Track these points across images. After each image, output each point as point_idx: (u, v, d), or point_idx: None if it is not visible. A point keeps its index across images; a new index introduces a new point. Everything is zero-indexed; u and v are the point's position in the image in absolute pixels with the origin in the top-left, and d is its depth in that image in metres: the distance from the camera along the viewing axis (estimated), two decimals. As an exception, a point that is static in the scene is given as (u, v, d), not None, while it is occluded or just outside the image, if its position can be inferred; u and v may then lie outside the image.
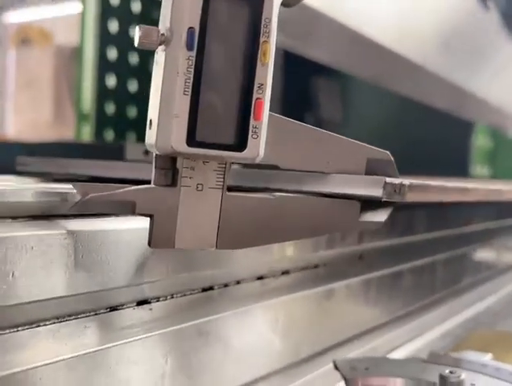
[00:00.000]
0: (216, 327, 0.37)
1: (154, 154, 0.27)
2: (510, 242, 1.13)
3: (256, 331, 0.41)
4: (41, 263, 0.25)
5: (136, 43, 0.26)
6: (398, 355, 0.60)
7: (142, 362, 0.31)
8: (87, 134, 1.61)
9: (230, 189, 0.29)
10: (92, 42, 1.23)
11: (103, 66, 1.21)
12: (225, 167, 0.28)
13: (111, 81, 1.26)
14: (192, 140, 0.25)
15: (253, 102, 0.26)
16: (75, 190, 0.26)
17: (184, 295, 0.36)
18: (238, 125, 0.26)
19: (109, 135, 1.48)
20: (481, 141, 2.45)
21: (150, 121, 0.26)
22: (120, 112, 1.43)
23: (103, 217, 0.30)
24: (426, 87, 0.99)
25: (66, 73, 3.02)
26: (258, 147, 0.27)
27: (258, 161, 0.27)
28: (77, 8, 1.34)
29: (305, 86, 1.22)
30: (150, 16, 1.16)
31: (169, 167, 0.27)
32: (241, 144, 0.26)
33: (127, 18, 1.19)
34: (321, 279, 0.49)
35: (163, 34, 0.25)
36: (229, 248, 0.29)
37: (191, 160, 0.27)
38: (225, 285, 0.39)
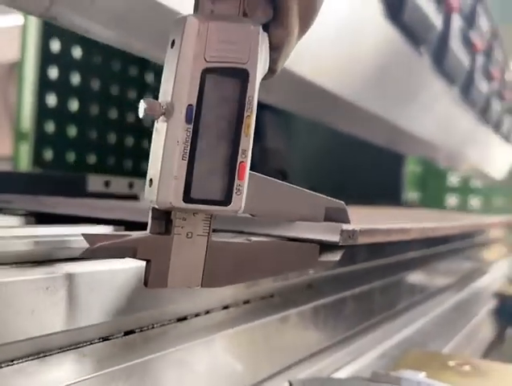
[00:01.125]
0: (188, 351, 0.41)
1: (150, 207, 0.32)
2: (441, 267, 1.22)
3: (221, 355, 0.45)
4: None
5: (140, 114, 0.30)
6: (341, 374, 0.66)
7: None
8: (25, 153, 1.60)
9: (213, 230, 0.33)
10: (33, 59, 1.23)
11: (44, 84, 1.21)
12: (210, 218, 0.33)
13: (51, 100, 1.26)
14: (187, 197, 0.30)
15: (237, 165, 0.31)
16: (84, 239, 0.30)
17: (163, 325, 0.40)
18: (225, 185, 0.31)
19: (48, 155, 1.48)
20: (412, 170, 2.65)
21: (151, 180, 0.31)
22: (60, 132, 1.43)
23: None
24: (363, 124, 1.07)
25: (3, 89, 2.97)
26: (241, 202, 0.32)
27: (239, 213, 0.32)
28: (18, 21, 1.32)
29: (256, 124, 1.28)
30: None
31: (164, 218, 0.32)
32: (227, 200, 0.31)
33: (69, 37, 1.19)
34: (276, 307, 0.54)
35: (164, 108, 0.30)
36: (211, 286, 0.34)
37: (183, 212, 0.32)
38: (196, 315, 0.44)
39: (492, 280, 1.57)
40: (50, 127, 1.31)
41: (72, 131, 1.31)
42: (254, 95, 0.31)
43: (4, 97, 2.74)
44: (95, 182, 0.73)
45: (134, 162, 1.42)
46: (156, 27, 0.46)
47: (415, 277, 1.04)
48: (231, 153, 0.31)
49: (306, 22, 0.34)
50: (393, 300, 0.88)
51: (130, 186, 0.78)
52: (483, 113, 1.72)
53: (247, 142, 0.31)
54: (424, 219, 0.93)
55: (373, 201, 1.70)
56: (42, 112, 1.30)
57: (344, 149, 1.82)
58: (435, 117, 1.31)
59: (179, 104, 0.30)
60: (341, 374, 0.65)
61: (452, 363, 0.64)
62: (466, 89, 1.46)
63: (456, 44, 1.25)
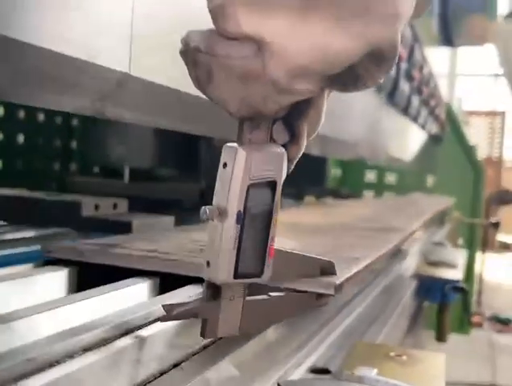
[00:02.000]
0: None
1: (205, 281, 0.44)
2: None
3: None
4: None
5: (202, 218, 0.42)
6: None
7: None
8: None
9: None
10: None
11: None
12: (245, 285, 0.45)
13: None
14: (236, 275, 0.42)
15: (268, 248, 0.44)
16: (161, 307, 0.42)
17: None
18: (261, 263, 0.43)
19: None
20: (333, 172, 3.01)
21: (208, 262, 0.43)
22: None
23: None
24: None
25: None
26: (269, 272, 0.44)
27: (266, 281, 0.45)
28: None
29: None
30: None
31: (215, 288, 0.44)
32: (261, 273, 0.44)
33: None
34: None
35: (219, 212, 0.42)
36: (245, 333, 0.46)
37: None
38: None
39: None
40: None
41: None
42: (279, 198, 0.44)
43: None
44: (88, 207, 0.82)
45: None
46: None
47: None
48: (264, 241, 0.43)
49: (312, 132, 0.46)
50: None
51: (115, 206, 0.87)
52: (405, 110, 1.91)
53: (274, 232, 0.44)
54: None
55: (306, 193, 1.87)
56: None
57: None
58: (362, 122, 1.47)
59: (232, 210, 0.42)
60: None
61: (392, 354, 0.80)
62: (392, 94, 1.63)
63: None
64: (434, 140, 3.30)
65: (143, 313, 0.43)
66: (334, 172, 3.21)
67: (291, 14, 0.37)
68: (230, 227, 0.42)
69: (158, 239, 0.67)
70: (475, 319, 4.63)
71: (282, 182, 0.44)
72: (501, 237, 8.67)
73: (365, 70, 0.41)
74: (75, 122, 1.75)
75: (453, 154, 4.01)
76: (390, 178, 3.64)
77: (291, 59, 0.37)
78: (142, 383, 0.40)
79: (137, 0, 0.48)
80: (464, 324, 4.14)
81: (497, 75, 8.56)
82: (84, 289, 0.52)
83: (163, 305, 0.42)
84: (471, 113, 8.79)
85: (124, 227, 0.78)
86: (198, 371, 0.48)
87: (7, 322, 0.40)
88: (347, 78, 0.41)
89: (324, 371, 0.78)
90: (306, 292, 0.49)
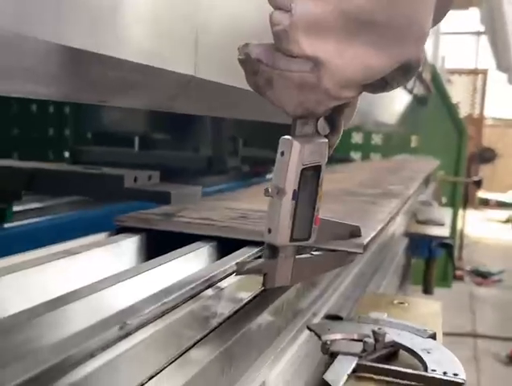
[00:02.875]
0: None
1: (266, 243, 0.56)
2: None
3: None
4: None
5: (266, 194, 0.54)
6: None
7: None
8: None
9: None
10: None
11: None
12: (296, 246, 0.57)
13: None
14: (291, 239, 0.55)
15: (314, 216, 0.56)
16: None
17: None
18: (309, 229, 0.56)
19: None
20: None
21: (270, 229, 0.55)
22: None
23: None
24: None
25: None
26: (315, 237, 0.56)
27: (312, 243, 0.57)
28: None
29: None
30: None
31: (273, 249, 0.56)
32: (309, 237, 0.56)
33: None
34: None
35: (278, 191, 0.54)
36: (295, 283, 0.59)
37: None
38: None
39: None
40: None
41: None
42: (323, 177, 0.56)
43: None
44: (129, 179, 0.93)
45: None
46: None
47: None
48: (312, 212, 0.55)
49: (347, 123, 0.58)
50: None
51: (149, 178, 0.98)
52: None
53: (319, 204, 0.56)
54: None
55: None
56: None
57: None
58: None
59: (289, 189, 0.53)
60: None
61: (395, 302, 0.94)
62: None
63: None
64: (420, 102, 3.42)
65: (220, 270, 0.55)
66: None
67: (340, 39, 0.48)
68: (287, 202, 0.54)
69: (202, 209, 0.79)
70: (457, 273, 4.85)
71: (325, 164, 0.56)
72: (482, 194, 8.92)
73: (392, 78, 0.52)
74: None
75: (437, 115, 4.15)
76: (377, 139, 3.76)
77: (339, 75, 0.49)
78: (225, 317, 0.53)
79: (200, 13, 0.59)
80: (448, 278, 4.35)
81: (479, 33, 8.66)
82: (153, 253, 0.65)
83: (236, 263, 0.54)
84: (453, 72, 8.90)
85: (164, 198, 0.90)
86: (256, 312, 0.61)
87: (107, 287, 0.50)
88: (378, 84, 0.52)
89: (336, 317, 0.92)
90: (340, 251, 0.62)
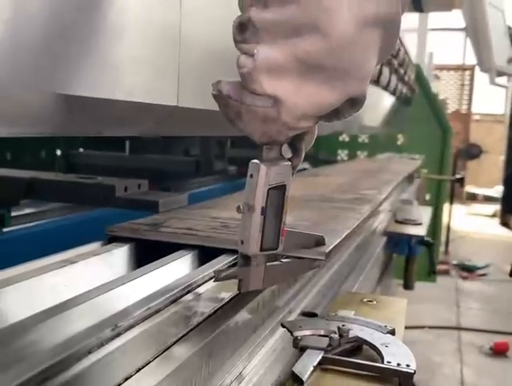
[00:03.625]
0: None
1: (239, 253, 0.64)
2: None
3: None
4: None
5: (237, 211, 0.62)
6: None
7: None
8: None
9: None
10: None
11: None
12: (266, 255, 0.66)
13: None
14: (261, 249, 0.63)
15: (281, 229, 0.64)
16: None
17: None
18: (277, 240, 0.64)
19: None
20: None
21: (242, 241, 0.63)
22: None
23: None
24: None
25: None
26: (281, 246, 0.65)
27: (280, 252, 0.65)
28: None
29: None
30: None
31: (247, 258, 0.64)
32: (277, 247, 0.65)
33: None
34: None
35: (249, 208, 0.62)
36: (266, 287, 0.67)
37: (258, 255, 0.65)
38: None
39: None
40: None
41: None
42: (288, 196, 0.64)
43: None
44: (119, 188, 1.01)
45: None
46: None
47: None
48: (279, 225, 0.64)
49: (308, 146, 0.66)
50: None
51: (139, 187, 1.06)
52: (376, 81, 2.11)
53: (285, 219, 0.64)
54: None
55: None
56: None
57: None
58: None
59: (258, 206, 0.62)
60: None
61: (365, 300, 1.03)
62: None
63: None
64: (404, 102, 3.51)
65: (199, 277, 0.63)
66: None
67: (295, 80, 0.56)
68: (257, 217, 0.62)
69: (187, 218, 0.87)
70: (442, 267, 4.96)
71: (289, 184, 0.64)
72: (470, 189, 9.05)
73: (342, 109, 0.61)
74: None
75: (422, 113, 4.25)
76: (363, 137, 3.86)
77: (296, 110, 0.57)
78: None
79: (182, 52, 0.67)
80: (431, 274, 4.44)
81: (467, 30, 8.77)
82: (142, 259, 0.73)
83: (214, 271, 0.62)
84: (441, 68, 9.01)
85: (152, 206, 0.98)
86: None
87: (101, 294, 0.59)
88: (331, 115, 0.61)
89: (312, 314, 1.01)
90: (305, 258, 0.70)
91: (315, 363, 0.74)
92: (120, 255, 0.73)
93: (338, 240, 0.78)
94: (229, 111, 0.59)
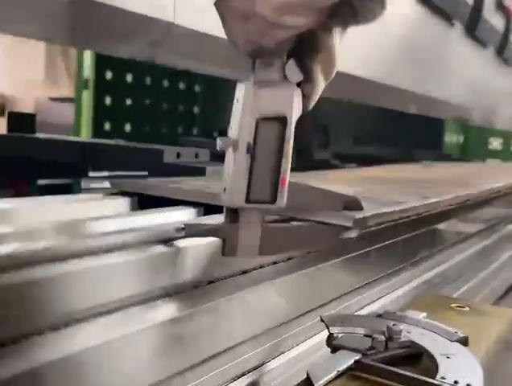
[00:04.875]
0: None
1: (224, 207, 0.49)
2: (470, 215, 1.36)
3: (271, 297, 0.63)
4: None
5: (218, 148, 0.47)
6: (365, 311, 0.83)
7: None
8: (87, 99, 1.81)
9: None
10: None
11: None
12: (261, 211, 0.50)
13: None
14: (247, 199, 0.47)
15: (280, 179, 0.48)
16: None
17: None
18: (272, 191, 0.48)
19: (107, 100, 1.68)
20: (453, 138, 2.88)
21: (224, 189, 0.48)
22: (118, 79, 1.61)
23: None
24: (395, 97, 1.20)
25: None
26: (283, 202, 0.48)
27: (281, 209, 0.49)
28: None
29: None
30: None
31: (234, 212, 0.49)
32: (272, 200, 0.48)
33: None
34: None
35: (232, 144, 0.46)
36: (264, 255, 0.51)
37: (245, 209, 0.49)
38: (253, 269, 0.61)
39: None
40: (108, 74, 1.49)
41: (129, 77, 1.49)
42: (291, 134, 0.47)
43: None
44: (169, 154, 0.90)
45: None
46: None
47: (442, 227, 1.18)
48: (275, 172, 0.48)
49: (328, 74, 0.49)
50: (416, 249, 1.03)
51: (196, 156, 0.95)
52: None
53: (286, 163, 0.48)
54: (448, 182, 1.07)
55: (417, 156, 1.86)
56: (101, 60, 1.46)
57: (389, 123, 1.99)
58: (467, 81, 1.42)
59: (242, 142, 0.46)
60: (364, 311, 0.83)
61: (453, 305, 0.81)
62: (500, 50, 1.55)
63: (489, 13, 1.35)
64: None
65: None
66: (456, 138, 3.08)
67: None
68: (241, 156, 0.46)
69: (211, 179, 0.73)
70: None
71: (294, 118, 0.47)
72: None
73: (359, 2, 0.43)
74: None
75: None
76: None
77: None
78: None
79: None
80: None
81: None
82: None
83: (185, 223, 0.48)
84: None
85: (198, 173, 0.86)
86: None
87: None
88: (344, 12, 0.44)
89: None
90: (324, 223, 0.53)
91: (341, 368, 0.56)
92: (121, 202, 0.63)
93: (383, 210, 0.59)
94: (220, 18, 0.45)
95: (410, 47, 1.09)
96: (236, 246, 0.49)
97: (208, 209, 0.60)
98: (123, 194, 0.66)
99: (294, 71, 0.47)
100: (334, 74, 0.50)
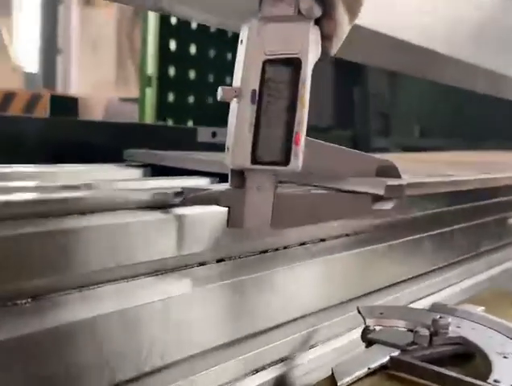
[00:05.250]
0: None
1: (230, 169, 0.41)
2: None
3: (298, 281, 0.55)
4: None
5: (219, 98, 0.40)
6: (418, 305, 0.73)
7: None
8: (150, 96, 1.78)
9: (281, 182, 0.42)
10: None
11: (165, 30, 1.33)
12: (275, 176, 0.42)
13: (173, 45, 1.38)
14: (253, 160, 0.39)
15: (294, 134, 0.40)
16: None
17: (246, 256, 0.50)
18: (284, 149, 0.40)
19: (171, 97, 1.64)
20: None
21: (227, 147, 0.40)
22: (181, 76, 1.57)
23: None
24: (462, 75, 1.09)
25: (128, 34, 3.17)
26: (298, 163, 0.40)
27: (297, 172, 0.41)
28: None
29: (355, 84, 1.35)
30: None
31: (240, 175, 0.41)
32: (286, 161, 0.40)
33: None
34: (350, 245, 0.63)
35: (235, 93, 0.39)
36: (278, 228, 0.43)
37: (252, 171, 0.41)
38: (276, 249, 0.53)
39: None
40: (172, 71, 1.46)
41: (192, 74, 1.44)
42: (307, 78, 0.39)
43: (129, 42, 2.93)
44: (204, 134, 0.84)
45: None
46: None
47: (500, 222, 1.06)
48: (288, 125, 0.40)
49: (353, 13, 0.41)
50: (476, 242, 0.92)
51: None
52: None
53: (302, 114, 0.40)
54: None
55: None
56: (165, 57, 1.42)
57: (454, 102, 1.84)
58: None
59: (246, 89, 0.39)
60: (418, 305, 0.73)
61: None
62: None
63: None
64: None
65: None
66: None
67: None
68: (245, 107, 0.39)
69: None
70: None
71: (311, 61, 0.39)
72: None
73: None
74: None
75: None
76: None
77: None
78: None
79: None
80: None
81: None
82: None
83: (182, 188, 0.41)
84: None
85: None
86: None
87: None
88: None
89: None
90: (351, 192, 0.44)
91: (373, 365, 0.47)
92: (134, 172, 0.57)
93: (425, 180, 0.49)
94: None
95: (477, 20, 0.98)
96: (242, 215, 0.42)
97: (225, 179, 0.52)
98: (139, 166, 0.60)
99: (310, 7, 0.39)
100: (360, 12, 0.42)
